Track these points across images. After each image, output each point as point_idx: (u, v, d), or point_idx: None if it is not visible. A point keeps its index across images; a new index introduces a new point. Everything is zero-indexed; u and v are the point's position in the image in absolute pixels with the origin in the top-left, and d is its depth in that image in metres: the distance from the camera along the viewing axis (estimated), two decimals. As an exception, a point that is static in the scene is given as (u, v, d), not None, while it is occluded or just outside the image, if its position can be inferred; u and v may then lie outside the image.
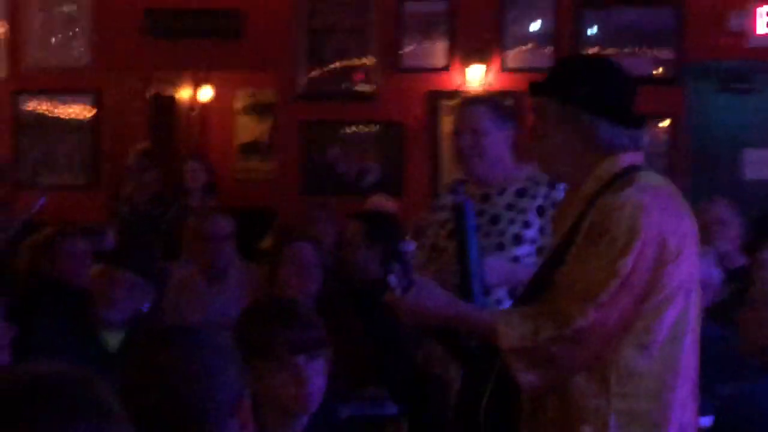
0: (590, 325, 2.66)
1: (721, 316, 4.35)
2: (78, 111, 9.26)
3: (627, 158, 2.80)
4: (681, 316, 2.74)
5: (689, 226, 2.75)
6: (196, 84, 11.54)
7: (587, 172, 2.81)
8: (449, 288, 3.39)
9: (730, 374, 3.88)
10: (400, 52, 8.98)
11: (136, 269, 4.28)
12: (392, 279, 2.88)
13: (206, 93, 11.63)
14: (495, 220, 4.06)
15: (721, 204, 6.27)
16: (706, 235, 5.80)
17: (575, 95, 2.79)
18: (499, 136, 4.09)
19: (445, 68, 8.94)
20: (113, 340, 4.18)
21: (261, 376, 2.80)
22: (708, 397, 3.65)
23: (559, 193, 3.94)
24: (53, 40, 9.23)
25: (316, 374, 2.81)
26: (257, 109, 11.62)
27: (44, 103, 9.27)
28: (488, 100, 4.69)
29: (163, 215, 7.75)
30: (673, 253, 2.69)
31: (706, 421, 3.60)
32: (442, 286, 2.99)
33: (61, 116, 9.27)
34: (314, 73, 9.07)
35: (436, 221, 4.36)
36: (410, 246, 4.92)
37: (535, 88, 2.88)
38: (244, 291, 5.42)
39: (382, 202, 7.76)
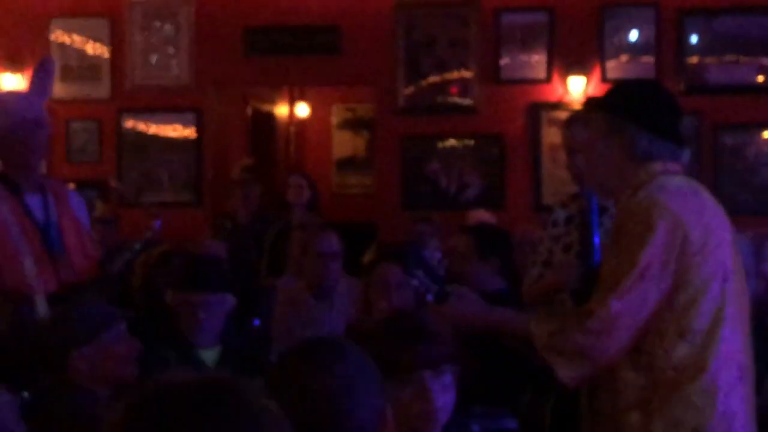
0: (611, 315, 2.86)
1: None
2: (180, 129, 9.38)
3: (660, 167, 3.01)
4: (719, 303, 2.89)
5: (715, 219, 2.95)
6: (293, 100, 11.64)
7: (627, 184, 3.04)
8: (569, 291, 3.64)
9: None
10: (499, 64, 8.93)
11: (221, 289, 4.25)
12: (415, 283, 3.18)
13: (303, 109, 11.73)
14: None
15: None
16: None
17: (622, 107, 3.07)
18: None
19: (546, 80, 8.87)
20: (209, 356, 4.20)
21: (387, 394, 2.80)
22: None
23: None
24: (154, 59, 9.36)
25: (443, 390, 2.78)
26: (354, 124, 11.69)
27: (146, 122, 9.40)
28: None
29: (265, 231, 7.80)
30: (697, 244, 2.87)
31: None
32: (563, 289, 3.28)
33: (163, 134, 9.39)
34: (413, 87, 9.06)
35: (550, 236, 4.32)
36: (436, 255, 4.89)
37: (588, 103, 3.24)
38: (351, 307, 5.43)
39: (484, 216, 7.73)
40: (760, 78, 8.76)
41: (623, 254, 2.94)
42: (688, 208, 2.91)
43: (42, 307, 4.14)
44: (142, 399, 1.41)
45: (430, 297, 3.20)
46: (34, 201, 4.32)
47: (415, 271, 3.38)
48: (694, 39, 8.82)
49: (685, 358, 2.88)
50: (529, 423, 4.03)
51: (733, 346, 2.90)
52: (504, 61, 8.95)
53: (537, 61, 8.92)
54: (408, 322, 2.98)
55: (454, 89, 9.05)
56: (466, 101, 9.01)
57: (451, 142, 9.06)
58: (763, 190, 8.65)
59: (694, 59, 8.81)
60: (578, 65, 8.79)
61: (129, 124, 9.40)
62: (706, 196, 3.00)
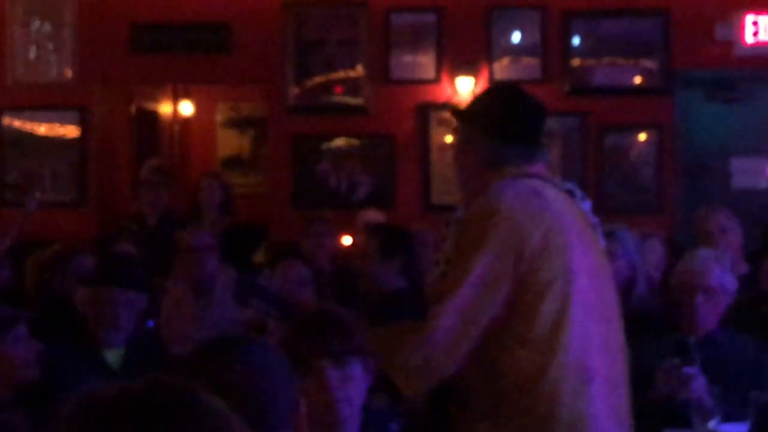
0: (444, 327, 2.86)
1: (730, 322, 4.38)
2: (62, 127, 9.17)
3: (513, 170, 3.05)
4: (561, 307, 2.88)
5: (559, 221, 2.96)
6: (177, 98, 11.48)
7: (482, 191, 3.07)
8: None
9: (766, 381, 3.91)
10: (389, 64, 8.97)
11: (137, 287, 4.22)
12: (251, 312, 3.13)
13: (187, 107, 11.58)
14: None
15: (722, 212, 6.33)
16: (708, 243, 5.87)
17: (471, 116, 3.16)
18: None
19: (435, 80, 8.93)
20: (113, 357, 4.15)
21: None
22: (742, 403, 3.67)
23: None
24: (36, 55, 9.13)
25: (344, 381, 2.77)
26: (239, 123, 11.58)
27: (28, 121, 9.17)
28: None
29: (173, 234, 7.60)
30: (536, 249, 2.89)
31: (742, 428, 3.62)
32: None
33: (46, 133, 9.17)
34: (302, 87, 9.03)
35: (452, 235, 4.35)
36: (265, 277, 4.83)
37: (452, 110, 3.40)
38: (233, 300, 5.40)
39: (375, 215, 7.75)
40: (638, 79, 8.96)
41: (457, 264, 2.97)
42: (525, 212, 2.92)
43: None
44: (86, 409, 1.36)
45: (271, 321, 3.23)
46: None
47: (250, 300, 3.44)
48: (577, 41, 8.99)
49: (526, 365, 2.88)
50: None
51: (579, 349, 2.88)
52: (393, 61, 8.98)
53: (426, 61, 8.98)
54: (314, 314, 2.98)
55: (339, 89, 9.05)
56: (356, 101, 9.02)
57: (341, 141, 9.07)
58: (644, 189, 8.86)
59: (577, 61, 8.98)
60: (467, 66, 8.87)
61: (10, 122, 9.16)
62: (553, 198, 3.02)
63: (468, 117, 3.21)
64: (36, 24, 9.14)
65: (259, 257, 8.03)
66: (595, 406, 2.90)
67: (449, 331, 2.87)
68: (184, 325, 5.41)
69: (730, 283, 4.28)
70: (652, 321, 4.28)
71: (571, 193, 3.77)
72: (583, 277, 2.94)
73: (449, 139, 8.88)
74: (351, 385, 2.79)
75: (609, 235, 4.20)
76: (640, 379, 3.47)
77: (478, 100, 3.28)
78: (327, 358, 2.76)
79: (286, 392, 2.02)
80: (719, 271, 4.23)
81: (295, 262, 5.01)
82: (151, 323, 5.94)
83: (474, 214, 3.01)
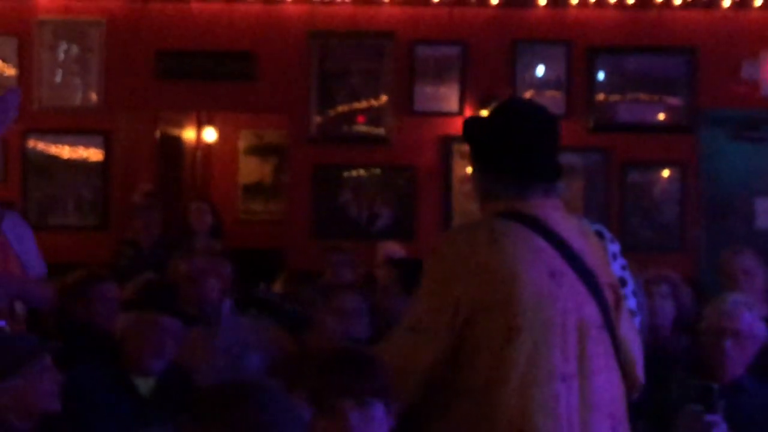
0: (386, 364, 2.78)
1: (758, 369, 4.33)
2: (87, 151, 9.20)
3: (511, 204, 2.85)
4: (496, 364, 2.75)
5: (510, 272, 2.76)
6: (201, 124, 11.54)
7: None
8: None
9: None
10: (412, 95, 8.97)
11: (179, 314, 4.23)
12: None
13: (211, 133, 11.63)
14: None
15: (746, 254, 6.28)
16: (731, 285, 5.82)
17: (479, 146, 2.95)
18: None
19: (458, 112, 8.93)
20: (144, 386, 4.12)
21: (315, 426, 2.76)
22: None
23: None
24: (63, 80, 9.18)
25: (366, 423, 2.74)
26: (261, 150, 11.62)
27: (53, 144, 9.21)
28: None
29: (168, 257, 7.67)
30: (476, 301, 2.75)
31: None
32: None
33: (70, 156, 9.21)
34: (325, 116, 9.04)
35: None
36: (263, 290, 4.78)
37: (465, 137, 3.03)
38: (240, 327, 5.34)
39: (394, 248, 7.73)
40: (663, 116, 8.94)
41: (410, 301, 2.92)
42: (468, 262, 2.78)
43: None
44: None
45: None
46: None
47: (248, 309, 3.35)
48: (601, 76, 8.98)
49: (463, 415, 2.81)
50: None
51: (514, 410, 2.75)
52: (417, 92, 8.99)
53: (449, 93, 8.99)
54: (339, 353, 2.95)
55: (361, 118, 9.05)
56: (379, 131, 9.03)
57: (363, 171, 9.07)
58: (666, 227, 8.82)
59: (602, 96, 8.97)
60: (490, 99, 8.86)
61: (35, 145, 9.20)
62: (513, 245, 2.79)
63: (476, 144, 2.99)
64: (63, 48, 9.19)
65: (277, 286, 8.01)
66: None
67: (390, 370, 2.82)
68: (195, 358, 5.40)
69: (761, 329, 4.22)
70: (678, 364, 4.23)
71: (600, 234, 3.72)
72: (532, 333, 2.76)
73: (470, 170, 8.86)
74: (372, 427, 2.75)
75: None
76: (663, 423, 3.42)
77: (470, 125, 3.03)
78: (348, 399, 2.73)
79: None
80: (750, 316, 4.18)
81: (350, 293, 4.93)
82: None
83: (428, 255, 2.93)
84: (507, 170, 2.88)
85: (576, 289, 2.84)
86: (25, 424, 3.31)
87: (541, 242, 2.82)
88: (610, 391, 2.88)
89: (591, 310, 2.87)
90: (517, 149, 2.89)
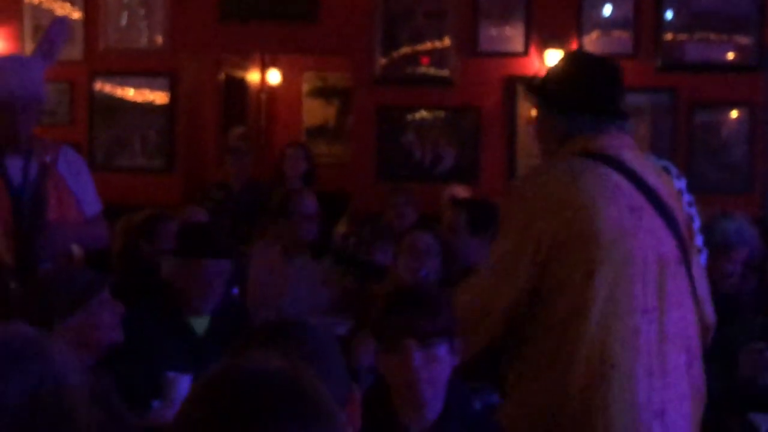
0: (460, 306, 2.86)
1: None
2: (152, 93, 9.28)
3: (586, 144, 2.94)
4: (576, 299, 2.83)
5: (590, 208, 2.84)
6: (265, 66, 11.55)
7: None
8: None
9: None
10: (476, 36, 8.90)
11: (222, 255, 4.24)
12: None
13: (275, 76, 11.65)
14: None
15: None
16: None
17: (548, 90, 3.07)
18: None
19: (523, 53, 8.85)
20: (199, 325, 4.17)
21: (380, 361, 2.85)
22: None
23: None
24: (128, 22, 9.24)
25: (430, 363, 2.76)
26: (325, 93, 11.62)
27: (119, 86, 9.29)
28: None
29: (257, 202, 7.68)
30: (557, 238, 2.82)
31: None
32: None
33: (136, 98, 9.29)
34: (389, 58, 9.01)
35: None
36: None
37: (527, 87, 3.13)
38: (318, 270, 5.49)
39: (460, 191, 7.72)
40: (731, 55, 8.79)
41: (493, 243, 2.97)
42: (550, 198, 2.85)
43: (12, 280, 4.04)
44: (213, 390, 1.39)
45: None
46: (14, 164, 4.20)
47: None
48: (669, 15, 8.83)
49: (544, 349, 2.87)
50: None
51: (594, 341, 2.82)
52: (481, 33, 8.91)
53: (514, 34, 8.90)
54: (406, 292, 2.97)
55: (425, 60, 9.01)
56: (443, 73, 8.98)
57: (427, 113, 9.04)
58: (734, 169, 8.71)
59: (669, 36, 8.83)
60: (555, 39, 8.77)
61: (101, 87, 9.29)
62: (592, 182, 2.87)
63: (536, 89, 3.14)
64: (128, -9, 9.24)
65: (341, 227, 8.05)
66: (612, 399, 2.83)
67: (466, 310, 2.88)
68: (272, 289, 5.49)
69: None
70: (743, 303, 4.20)
71: (666, 170, 3.69)
72: (613, 267, 2.83)
73: (535, 113, 8.80)
74: (435, 366, 2.78)
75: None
76: (727, 361, 3.41)
77: (551, 71, 3.18)
78: (413, 338, 2.75)
79: (338, 380, 2.01)
80: None
81: (423, 231, 5.00)
82: (235, 291, 6.02)
83: (506, 197, 2.99)
84: (583, 109, 2.97)
85: (655, 224, 2.90)
86: (91, 357, 3.37)
87: (618, 179, 2.89)
88: (686, 326, 2.94)
89: (670, 245, 2.92)
90: (592, 89, 3.00)
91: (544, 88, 3.10)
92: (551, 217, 2.83)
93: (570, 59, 3.21)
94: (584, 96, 3.00)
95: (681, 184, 3.94)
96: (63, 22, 4.46)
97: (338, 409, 1.46)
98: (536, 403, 2.89)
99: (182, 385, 3.69)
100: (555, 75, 3.10)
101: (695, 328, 2.97)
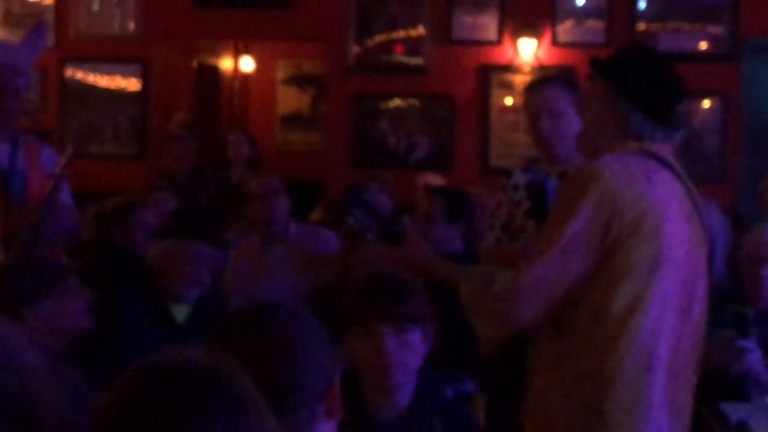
0: (525, 285, 2.84)
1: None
2: (124, 80, 9.22)
3: (645, 146, 2.94)
4: (639, 292, 2.84)
5: (658, 207, 2.86)
6: (238, 53, 11.50)
7: (597, 155, 2.99)
8: None
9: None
10: (450, 24, 8.89)
11: (209, 239, 4.24)
12: (350, 221, 3.32)
13: (248, 63, 11.60)
14: None
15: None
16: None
17: (622, 80, 2.98)
18: (575, 115, 4.07)
19: (496, 41, 8.85)
20: (180, 313, 4.15)
21: (350, 347, 2.81)
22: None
23: None
24: (100, 8, 9.18)
25: (403, 349, 2.76)
26: (299, 80, 11.58)
27: (90, 72, 9.23)
28: (559, 78, 4.64)
29: (203, 188, 7.70)
30: (628, 228, 2.82)
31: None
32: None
33: (108, 85, 9.23)
34: (364, 46, 8.99)
35: (510, 201, 4.31)
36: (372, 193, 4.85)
37: (595, 63, 3.09)
38: (308, 251, 5.41)
39: (435, 179, 7.72)
40: (704, 45, 8.82)
41: (552, 223, 2.93)
42: (626, 190, 2.84)
43: None
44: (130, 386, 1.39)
45: (370, 235, 3.21)
46: (2, 147, 4.24)
47: (353, 210, 3.39)
48: (643, 5, 8.85)
49: (593, 339, 2.87)
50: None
51: (648, 336, 2.86)
52: (455, 21, 8.91)
53: (488, 22, 8.90)
54: (380, 278, 2.96)
55: (400, 48, 9.00)
56: (417, 61, 8.97)
57: (401, 101, 9.03)
58: (707, 159, 8.74)
59: (642, 25, 8.84)
60: (529, 28, 8.78)
61: (72, 73, 9.23)
62: (662, 183, 2.89)
63: (616, 77, 3.03)
64: (100, -23, 9.18)
65: (315, 215, 8.03)
66: (651, 394, 2.87)
67: (532, 290, 2.86)
68: (250, 277, 5.45)
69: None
70: (714, 292, 4.21)
71: None
72: (671, 268, 2.88)
73: (509, 101, 8.81)
74: (408, 352, 2.77)
75: None
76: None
77: (628, 63, 3.08)
78: (386, 323, 2.75)
79: (321, 367, 1.96)
80: None
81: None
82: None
83: (577, 177, 2.96)
84: (657, 115, 2.95)
85: (698, 235, 2.98)
86: (59, 344, 3.35)
87: (678, 186, 2.94)
88: (700, 329, 3.02)
89: (704, 253, 3.02)
90: (674, 97, 2.99)
91: (624, 78, 3.02)
92: (625, 205, 2.83)
93: (655, 60, 3.12)
94: (664, 103, 2.98)
95: None
96: (43, 25, 4.57)
97: (264, 406, 1.43)
98: (578, 390, 2.90)
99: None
100: (639, 70, 3.03)
101: (701, 331, 3.05)
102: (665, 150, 2.96)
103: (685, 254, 2.93)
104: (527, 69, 8.73)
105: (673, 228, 2.88)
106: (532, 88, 4.31)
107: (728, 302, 4.11)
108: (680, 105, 3.03)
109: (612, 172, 2.88)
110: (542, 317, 2.91)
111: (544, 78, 4.69)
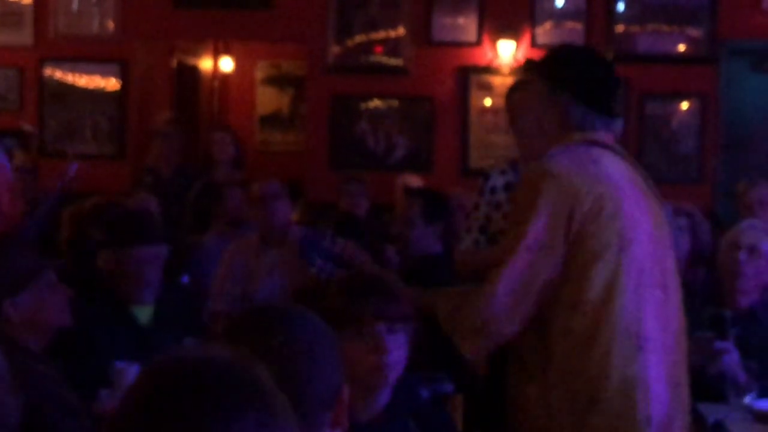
0: (500, 292, 2.88)
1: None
2: (103, 80, 9.19)
3: (587, 136, 3.02)
4: (613, 274, 2.89)
5: (612, 188, 2.93)
6: (218, 53, 11.47)
7: (542, 153, 3.06)
8: None
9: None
10: (430, 25, 8.90)
11: (158, 240, 4.19)
12: (313, 271, 3.58)
13: (228, 63, 11.57)
14: None
15: (763, 185, 6.26)
16: (748, 215, 5.81)
17: (560, 77, 3.07)
18: None
19: (476, 43, 8.86)
20: (143, 314, 4.13)
21: (341, 347, 2.76)
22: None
23: None
24: (79, 8, 9.14)
25: (396, 347, 2.77)
26: (279, 81, 11.55)
27: (69, 72, 9.19)
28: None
29: (187, 186, 7.70)
30: (588, 214, 2.89)
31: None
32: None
33: (87, 85, 9.19)
34: (344, 46, 8.99)
35: (488, 203, 4.30)
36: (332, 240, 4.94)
37: (530, 64, 3.25)
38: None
39: (413, 181, 7.72)
40: (682, 47, 8.85)
41: (513, 227, 2.97)
42: (579, 178, 2.91)
43: None
44: (151, 381, 1.35)
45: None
46: None
47: (313, 259, 3.49)
48: (621, 7, 8.88)
49: (577, 328, 2.89)
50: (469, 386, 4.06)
51: (631, 315, 2.89)
52: (435, 22, 8.91)
53: (468, 24, 8.91)
54: (367, 277, 2.96)
55: (379, 49, 9.00)
56: (397, 62, 8.97)
57: (380, 102, 9.02)
58: (685, 159, 8.78)
59: (621, 27, 8.87)
60: (508, 29, 8.79)
61: (51, 73, 9.19)
62: (610, 165, 2.98)
63: (552, 74, 3.12)
64: (79, -24, 9.14)
65: (295, 216, 8.02)
66: (647, 371, 2.91)
67: (508, 295, 2.89)
68: (239, 281, 5.44)
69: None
70: (692, 294, 4.23)
71: None
72: (639, 245, 2.94)
73: (488, 102, 8.82)
74: (400, 350, 2.79)
75: None
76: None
77: (560, 59, 3.19)
78: (383, 323, 2.75)
79: (332, 374, 1.92)
80: (766, 241, 4.19)
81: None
82: (185, 279, 5.97)
83: (528, 178, 3.00)
84: (595, 104, 3.03)
85: (656, 209, 3.04)
86: (38, 341, 3.33)
87: (625, 165, 3.03)
88: (679, 304, 3.07)
89: (666, 226, 3.09)
90: (603, 84, 3.08)
91: (557, 74, 3.10)
92: (581, 193, 2.89)
93: (582, 53, 3.29)
94: (599, 92, 3.06)
95: None
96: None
97: (288, 407, 1.39)
98: (574, 382, 2.91)
99: (130, 375, 3.66)
100: (565, 62, 3.14)
101: (680, 308, 3.08)
102: (608, 138, 3.05)
103: (650, 229, 2.98)
104: (506, 70, 8.74)
105: (632, 206, 2.94)
106: (514, 89, 4.32)
107: (706, 304, 4.13)
108: (617, 95, 3.12)
109: (562, 165, 2.94)
110: (522, 320, 2.92)
111: (527, 80, 4.70)
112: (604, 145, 3.02)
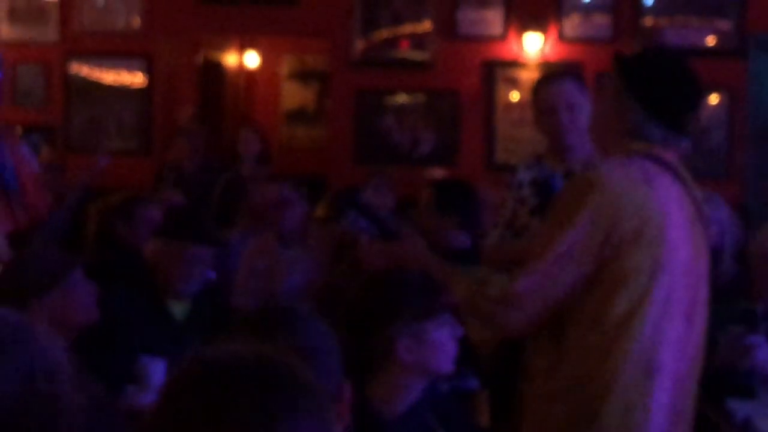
0: (519, 291, 2.83)
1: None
2: (129, 75, 9.20)
3: (644, 148, 2.90)
4: (639, 299, 2.82)
5: (659, 213, 2.84)
6: (243, 49, 11.48)
7: (608, 154, 3.02)
8: None
9: None
10: (456, 20, 8.86)
11: (208, 241, 4.21)
12: (345, 223, 3.13)
13: (253, 58, 11.57)
14: None
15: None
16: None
17: (635, 83, 2.94)
18: (588, 109, 4.07)
19: (501, 36, 8.81)
20: (179, 310, 4.12)
21: (390, 342, 2.75)
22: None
23: None
24: (105, 3, 9.16)
25: (447, 339, 2.78)
26: (304, 76, 11.54)
27: (95, 67, 9.21)
28: (571, 73, 4.63)
29: (212, 181, 7.70)
30: (629, 234, 2.80)
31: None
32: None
33: (112, 80, 9.21)
34: (369, 41, 8.96)
35: (515, 198, 4.28)
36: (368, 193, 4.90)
37: (618, 59, 3.03)
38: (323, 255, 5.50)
39: (440, 176, 7.70)
40: (711, 40, 8.78)
41: (549, 229, 2.91)
42: (627, 197, 2.82)
43: (2, 247, 4.04)
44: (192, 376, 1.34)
45: (366, 236, 3.25)
46: None
47: (347, 212, 3.43)
48: (650, 0, 8.82)
49: (593, 344, 2.85)
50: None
51: (648, 342, 2.84)
52: (461, 16, 8.88)
53: (493, 17, 8.87)
54: (410, 273, 2.94)
55: (405, 43, 8.97)
56: (422, 56, 8.94)
57: (406, 97, 9.00)
58: (712, 154, 8.70)
59: (649, 20, 8.81)
60: (535, 23, 8.74)
61: (77, 68, 9.20)
62: (664, 188, 2.86)
63: (629, 78, 2.98)
64: (105, -28, 9.16)
65: (320, 211, 8.00)
66: (652, 398, 2.86)
67: (527, 295, 2.85)
68: (265, 277, 5.47)
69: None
70: (723, 288, 4.18)
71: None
72: (671, 274, 2.86)
73: (515, 96, 8.78)
74: (451, 342, 2.82)
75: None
76: (707, 346, 3.39)
77: (640, 61, 3.06)
78: (430, 319, 2.76)
79: (333, 371, 1.95)
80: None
81: None
82: (212, 275, 5.96)
83: (577, 183, 2.94)
84: (668, 121, 2.91)
85: (702, 239, 2.97)
86: (67, 338, 3.33)
87: (680, 190, 2.91)
88: (702, 334, 3.00)
89: (706, 257, 3.00)
90: (683, 99, 2.95)
91: (634, 70, 2.98)
92: (630, 213, 2.81)
93: (671, 63, 3.05)
94: (676, 110, 2.94)
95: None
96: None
97: (328, 401, 1.40)
98: (578, 395, 2.88)
99: (156, 369, 3.64)
100: (650, 65, 3.00)
101: (703, 337, 3.03)
102: (670, 155, 2.92)
103: (688, 259, 2.90)
104: (533, 64, 8.70)
105: (675, 233, 2.86)
106: (547, 82, 4.29)
107: (737, 298, 4.08)
108: (693, 112, 2.98)
109: (612, 180, 2.85)
110: (536, 324, 2.90)
111: (557, 72, 4.67)
112: (664, 163, 2.91)
